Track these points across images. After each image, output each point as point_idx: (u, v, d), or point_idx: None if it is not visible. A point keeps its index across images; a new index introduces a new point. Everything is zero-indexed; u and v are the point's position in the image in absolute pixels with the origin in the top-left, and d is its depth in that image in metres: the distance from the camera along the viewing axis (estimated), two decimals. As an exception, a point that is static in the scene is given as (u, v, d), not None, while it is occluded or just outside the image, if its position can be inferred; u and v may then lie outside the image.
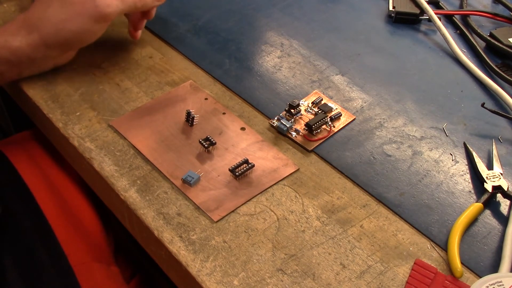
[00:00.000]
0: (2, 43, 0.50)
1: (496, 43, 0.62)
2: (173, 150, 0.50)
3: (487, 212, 0.46)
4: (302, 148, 0.50)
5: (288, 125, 0.51)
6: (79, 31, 0.51)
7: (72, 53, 0.55)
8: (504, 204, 0.47)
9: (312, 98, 0.55)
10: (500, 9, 0.69)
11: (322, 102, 0.54)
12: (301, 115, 0.53)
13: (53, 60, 0.54)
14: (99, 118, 0.52)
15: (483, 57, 0.61)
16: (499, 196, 0.47)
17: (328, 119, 0.52)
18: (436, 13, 0.65)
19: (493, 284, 0.37)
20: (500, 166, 0.49)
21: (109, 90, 0.55)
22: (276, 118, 0.52)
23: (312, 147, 0.50)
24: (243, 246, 0.43)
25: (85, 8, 0.50)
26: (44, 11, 0.51)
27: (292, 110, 0.52)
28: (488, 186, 0.47)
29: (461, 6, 0.69)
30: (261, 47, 0.61)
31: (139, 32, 0.58)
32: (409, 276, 0.41)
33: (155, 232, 0.44)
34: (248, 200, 0.46)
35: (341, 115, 0.53)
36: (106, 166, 0.48)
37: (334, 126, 0.52)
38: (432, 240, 0.44)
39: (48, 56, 0.53)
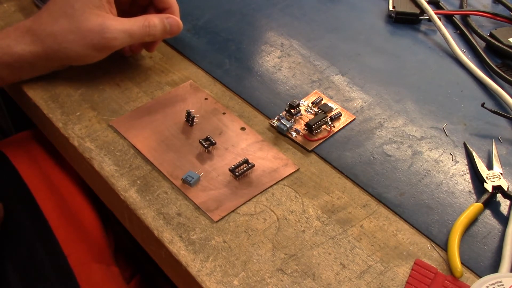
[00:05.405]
0: (5, 48, 0.50)
1: (496, 43, 0.62)
2: (173, 150, 0.50)
3: (487, 212, 0.46)
4: (302, 148, 0.50)
5: (288, 125, 0.51)
6: (82, 54, 0.52)
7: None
8: (504, 204, 0.47)
9: (312, 98, 0.55)
10: (500, 9, 0.69)
11: (322, 102, 0.54)
12: (301, 115, 0.53)
13: (52, 68, 0.55)
14: (99, 118, 0.52)
15: (483, 57, 0.61)
16: (499, 196, 0.47)
17: (328, 119, 0.52)
18: (436, 13, 0.65)
19: (493, 284, 0.37)
20: (500, 166, 0.49)
21: (109, 90, 0.55)
22: (276, 118, 0.52)
23: (312, 147, 0.50)
24: (243, 246, 0.43)
25: (92, 35, 0.51)
26: (51, 26, 0.51)
27: (292, 110, 0.52)
28: (488, 186, 0.47)
29: (461, 6, 0.69)
30: (261, 47, 0.61)
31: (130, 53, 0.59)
32: (409, 276, 0.41)
33: (155, 232, 0.43)
34: (248, 200, 0.46)
35: (341, 115, 0.53)
36: (106, 166, 0.48)
37: (334, 126, 0.52)
38: (432, 240, 0.44)
39: (48, 66, 0.54)
